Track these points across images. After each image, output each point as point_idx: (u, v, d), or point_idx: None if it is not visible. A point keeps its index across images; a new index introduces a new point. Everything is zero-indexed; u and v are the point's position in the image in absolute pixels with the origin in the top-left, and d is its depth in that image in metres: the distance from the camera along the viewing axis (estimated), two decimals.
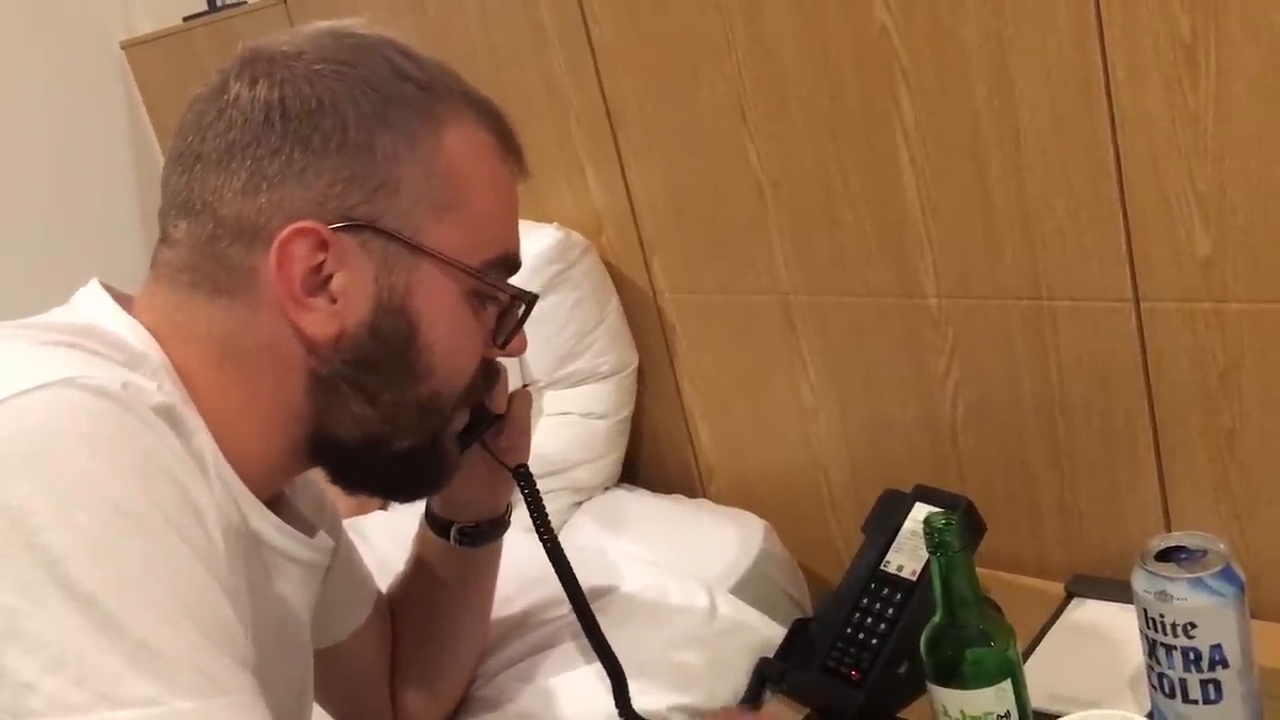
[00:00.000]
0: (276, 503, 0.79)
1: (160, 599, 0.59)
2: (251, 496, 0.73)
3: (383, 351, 0.75)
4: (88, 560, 0.57)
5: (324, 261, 0.72)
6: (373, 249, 0.73)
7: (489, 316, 0.81)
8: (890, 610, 1.04)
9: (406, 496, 0.91)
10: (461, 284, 0.77)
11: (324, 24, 0.77)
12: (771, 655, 1.11)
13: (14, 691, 0.55)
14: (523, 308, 0.82)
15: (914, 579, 1.04)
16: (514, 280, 0.82)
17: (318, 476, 0.85)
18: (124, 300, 0.76)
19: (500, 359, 0.86)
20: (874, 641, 1.03)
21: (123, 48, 2.17)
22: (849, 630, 1.05)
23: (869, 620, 1.04)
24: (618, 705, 0.96)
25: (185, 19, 2.02)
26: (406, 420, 0.78)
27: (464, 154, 0.76)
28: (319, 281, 0.73)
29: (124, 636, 0.56)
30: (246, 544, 0.72)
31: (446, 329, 0.77)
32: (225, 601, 0.63)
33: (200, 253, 0.73)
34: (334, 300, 0.73)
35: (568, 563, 0.93)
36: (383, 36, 0.77)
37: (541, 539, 0.92)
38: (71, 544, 0.57)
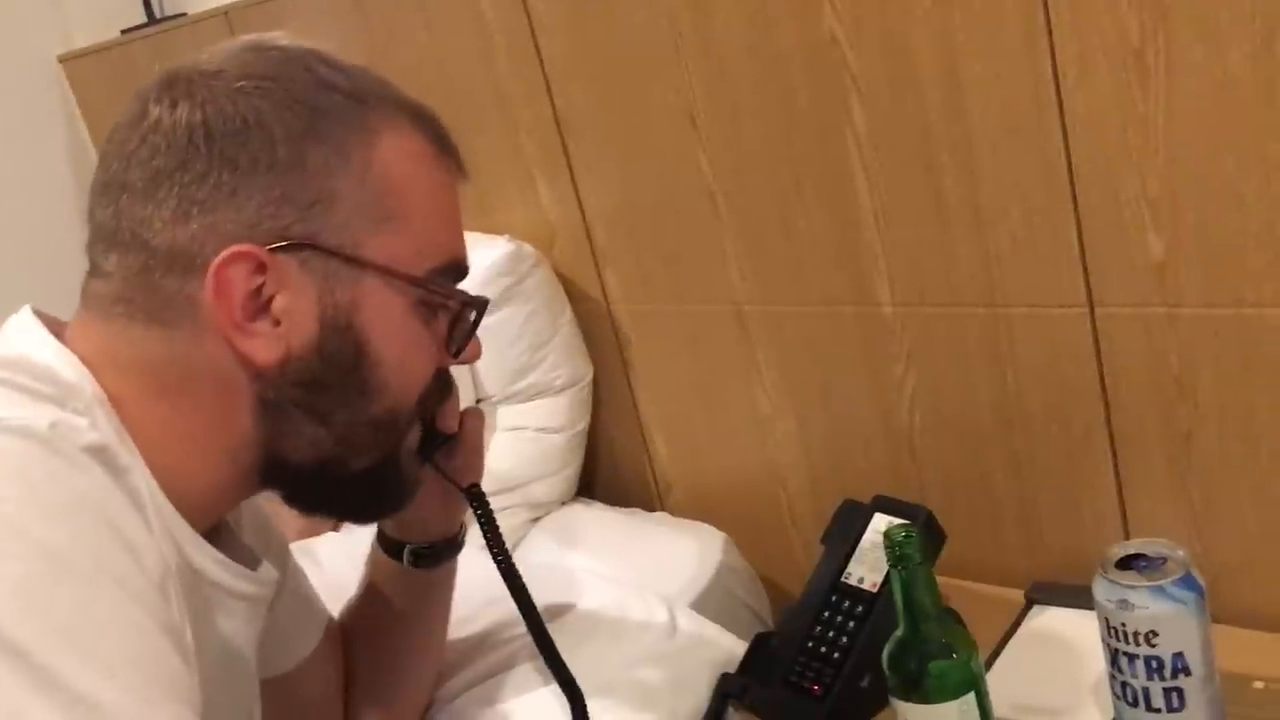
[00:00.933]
0: (218, 534, 0.77)
1: (96, 646, 0.56)
2: (192, 532, 0.71)
3: (332, 371, 0.73)
4: (17, 611, 0.55)
5: (263, 284, 0.70)
6: (313, 267, 0.71)
7: (440, 325, 0.79)
8: (851, 623, 1.03)
9: (366, 518, 0.89)
10: (408, 295, 0.75)
11: (243, 39, 0.74)
12: (733, 670, 1.09)
13: None
14: (474, 313, 0.80)
15: (875, 591, 1.03)
16: (463, 289, 0.80)
17: (266, 504, 0.83)
18: (57, 328, 0.73)
19: (453, 376, 0.85)
20: (836, 655, 1.02)
21: (60, 61, 2.13)
22: (810, 644, 1.04)
23: (830, 633, 1.03)
24: (575, 716, 0.95)
25: (123, 32, 1.98)
26: (362, 440, 0.77)
27: (398, 161, 0.74)
28: (260, 305, 0.70)
29: (61, 689, 0.54)
30: (186, 581, 0.70)
31: (396, 342, 0.75)
32: (166, 642, 0.60)
33: (133, 285, 0.71)
34: (277, 323, 0.71)
35: (523, 585, 0.91)
36: (305, 48, 0.74)
37: (495, 560, 0.91)
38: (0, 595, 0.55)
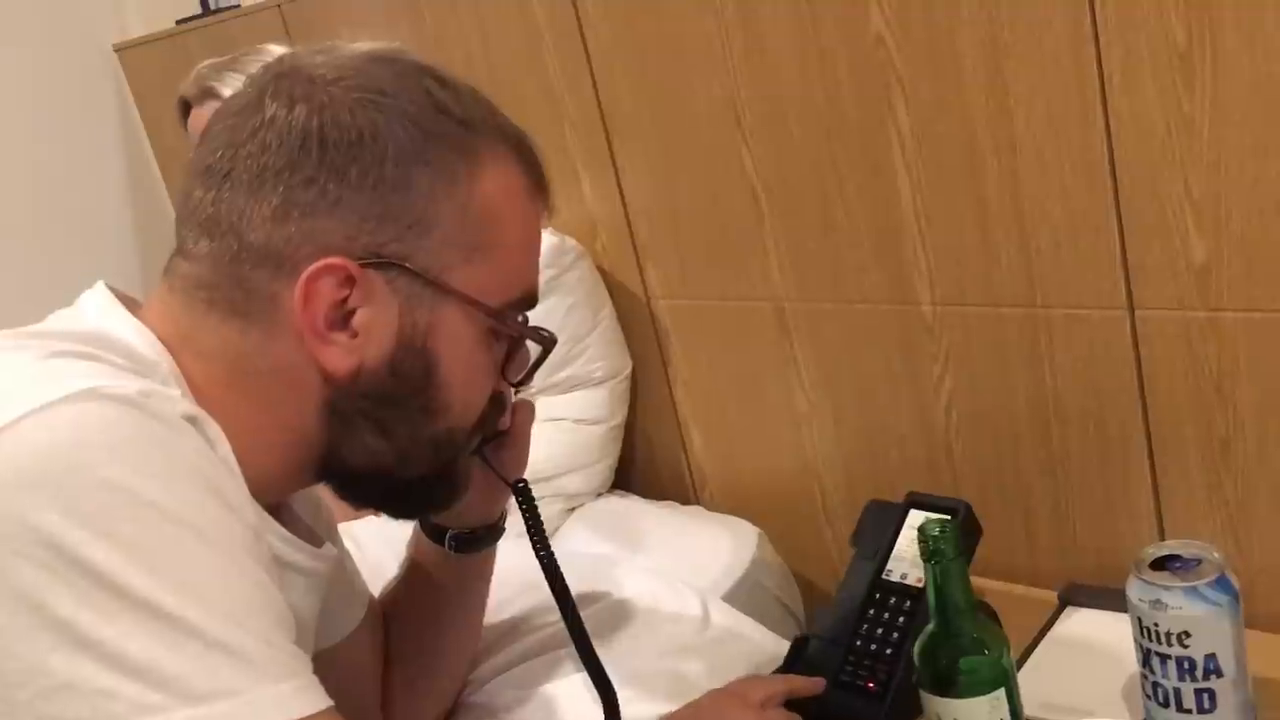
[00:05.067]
0: (279, 513, 0.79)
1: (218, 595, 0.59)
2: (262, 510, 0.73)
3: (400, 388, 0.74)
4: (141, 567, 0.58)
5: (348, 297, 0.71)
6: (398, 287, 0.72)
7: (499, 350, 0.80)
8: (901, 619, 1.02)
9: (413, 515, 0.90)
10: (480, 324, 0.76)
11: (362, 46, 0.75)
12: (768, 669, 1.09)
13: (93, 700, 0.55)
14: (536, 345, 0.82)
15: (920, 586, 1.02)
16: (528, 320, 0.81)
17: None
18: (130, 304, 0.75)
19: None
20: (889, 651, 1.01)
21: (115, 50, 2.17)
22: (859, 642, 1.03)
23: (879, 630, 1.02)
24: (608, 717, 0.96)
25: (178, 22, 2.01)
26: (420, 454, 0.78)
27: (499, 195, 0.75)
28: (341, 316, 0.72)
29: (193, 636, 0.57)
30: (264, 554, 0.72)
31: (463, 367, 0.76)
32: (275, 591, 0.64)
33: (221, 273, 0.72)
34: (355, 335, 0.72)
35: (564, 583, 0.92)
36: (420, 64, 0.75)
37: (538, 555, 0.92)
38: (121, 555, 0.57)
